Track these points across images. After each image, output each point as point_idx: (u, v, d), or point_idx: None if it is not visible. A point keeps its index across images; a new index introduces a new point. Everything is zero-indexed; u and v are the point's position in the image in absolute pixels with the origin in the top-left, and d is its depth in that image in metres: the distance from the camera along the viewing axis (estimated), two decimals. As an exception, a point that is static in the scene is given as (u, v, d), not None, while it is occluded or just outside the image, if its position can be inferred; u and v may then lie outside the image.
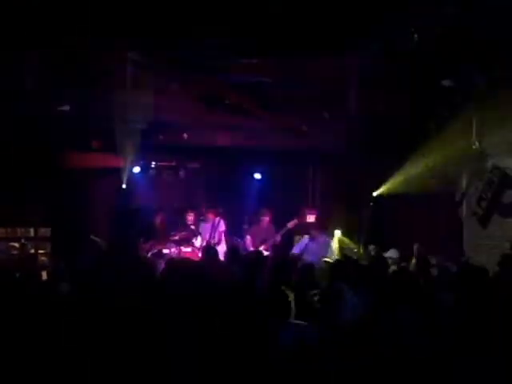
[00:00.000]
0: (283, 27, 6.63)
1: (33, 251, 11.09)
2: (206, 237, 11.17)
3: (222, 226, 11.30)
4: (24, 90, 9.01)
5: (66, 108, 9.87)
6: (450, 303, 4.66)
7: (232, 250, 8.23)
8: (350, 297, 5.09)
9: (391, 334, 3.88)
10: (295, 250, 10.43)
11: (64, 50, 8.05)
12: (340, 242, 11.01)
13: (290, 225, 10.96)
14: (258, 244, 10.86)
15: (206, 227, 11.33)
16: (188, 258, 9.40)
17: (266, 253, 10.64)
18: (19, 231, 11.21)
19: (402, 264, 8.34)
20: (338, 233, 11.09)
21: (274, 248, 10.88)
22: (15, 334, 3.71)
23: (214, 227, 11.21)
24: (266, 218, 11.17)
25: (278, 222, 11.16)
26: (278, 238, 10.94)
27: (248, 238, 11.13)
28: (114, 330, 3.75)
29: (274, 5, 6.11)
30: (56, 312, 4.09)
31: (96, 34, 7.35)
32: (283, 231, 10.97)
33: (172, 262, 7.12)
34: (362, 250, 10.81)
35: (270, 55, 7.99)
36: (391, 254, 8.88)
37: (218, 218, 11.25)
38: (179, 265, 6.46)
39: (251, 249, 10.51)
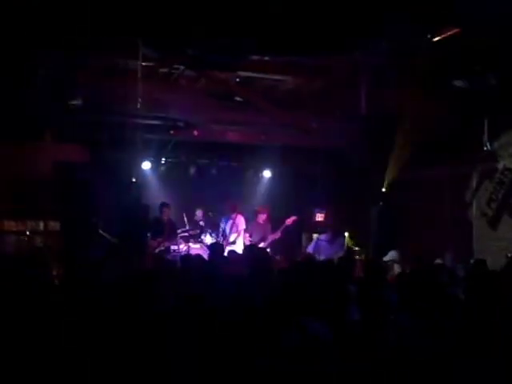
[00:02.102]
0: (283, 27, 6.62)
1: (42, 245, 11.13)
2: (226, 232, 11.18)
3: (243, 224, 11.26)
4: (35, 85, 9.05)
5: (79, 102, 9.87)
6: (457, 305, 4.64)
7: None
8: (356, 297, 5.08)
9: (393, 336, 3.86)
10: (309, 250, 10.40)
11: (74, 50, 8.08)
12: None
13: (289, 221, 10.89)
14: (257, 242, 10.79)
15: (227, 222, 11.32)
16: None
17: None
18: (29, 224, 11.24)
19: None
20: (346, 235, 11.06)
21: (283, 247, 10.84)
22: (13, 330, 3.72)
23: (234, 224, 11.17)
24: (263, 216, 11.11)
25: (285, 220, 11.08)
26: (277, 235, 10.89)
27: (246, 236, 11.07)
28: (113, 329, 3.75)
29: (274, 5, 6.08)
30: (57, 308, 4.11)
31: (100, 34, 7.37)
32: (281, 228, 10.91)
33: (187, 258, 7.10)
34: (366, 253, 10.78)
35: (270, 55, 7.97)
36: (392, 255, 8.83)
37: (237, 215, 11.22)
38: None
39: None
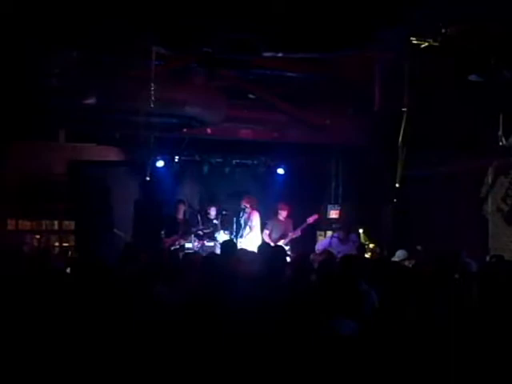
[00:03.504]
0: (292, 23, 6.58)
1: (57, 244, 11.23)
2: (241, 225, 11.20)
3: (257, 221, 11.22)
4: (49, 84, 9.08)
5: (92, 101, 9.92)
6: (466, 302, 4.60)
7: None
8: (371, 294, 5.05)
9: (395, 334, 3.84)
10: (319, 247, 10.35)
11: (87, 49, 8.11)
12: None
13: (310, 220, 10.87)
14: (277, 239, 10.77)
15: (242, 216, 11.33)
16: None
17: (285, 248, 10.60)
18: (44, 224, 11.34)
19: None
20: (360, 231, 11.00)
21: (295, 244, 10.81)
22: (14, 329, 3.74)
23: (249, 219, 11.16)
24: (284, 213, 11.07)
25: (300, 217, 11.08)
26: (298, 233, 10.86)
27: (266, 232, 11.05)
28: (114, 328, 3.76)
29: (277, 4, 6.06)
30: (62, 303, 4.12)
31: (111, 33, 7.39)
32: (303, 226, 10.88)
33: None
34: (381, 249, 10.69)
35: (283, 52, 7.94)
36: (399, 255, 8.67)
37: (252, 211, 11.20)
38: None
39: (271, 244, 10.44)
